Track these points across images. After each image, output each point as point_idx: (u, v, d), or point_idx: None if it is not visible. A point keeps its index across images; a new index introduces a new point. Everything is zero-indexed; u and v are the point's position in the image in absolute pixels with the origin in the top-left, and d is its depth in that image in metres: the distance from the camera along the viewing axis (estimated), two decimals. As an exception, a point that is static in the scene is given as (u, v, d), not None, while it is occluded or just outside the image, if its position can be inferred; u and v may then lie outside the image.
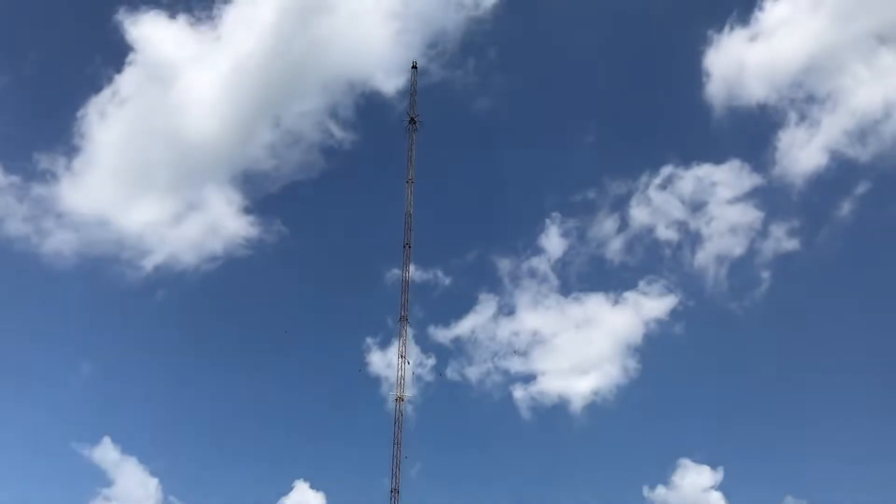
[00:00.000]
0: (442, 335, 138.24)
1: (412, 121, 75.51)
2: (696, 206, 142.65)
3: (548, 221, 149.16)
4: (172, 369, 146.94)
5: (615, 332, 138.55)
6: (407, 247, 68.78)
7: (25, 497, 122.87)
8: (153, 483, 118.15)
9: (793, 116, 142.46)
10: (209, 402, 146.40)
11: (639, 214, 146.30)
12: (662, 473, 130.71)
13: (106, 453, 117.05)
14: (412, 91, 78.92)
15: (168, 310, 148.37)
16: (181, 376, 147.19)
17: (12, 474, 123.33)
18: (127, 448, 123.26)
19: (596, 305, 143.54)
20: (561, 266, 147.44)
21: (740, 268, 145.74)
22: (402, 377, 63.15)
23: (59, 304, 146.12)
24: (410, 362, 64.13)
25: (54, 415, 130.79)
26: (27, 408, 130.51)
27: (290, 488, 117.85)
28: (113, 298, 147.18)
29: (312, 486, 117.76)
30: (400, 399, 62.42)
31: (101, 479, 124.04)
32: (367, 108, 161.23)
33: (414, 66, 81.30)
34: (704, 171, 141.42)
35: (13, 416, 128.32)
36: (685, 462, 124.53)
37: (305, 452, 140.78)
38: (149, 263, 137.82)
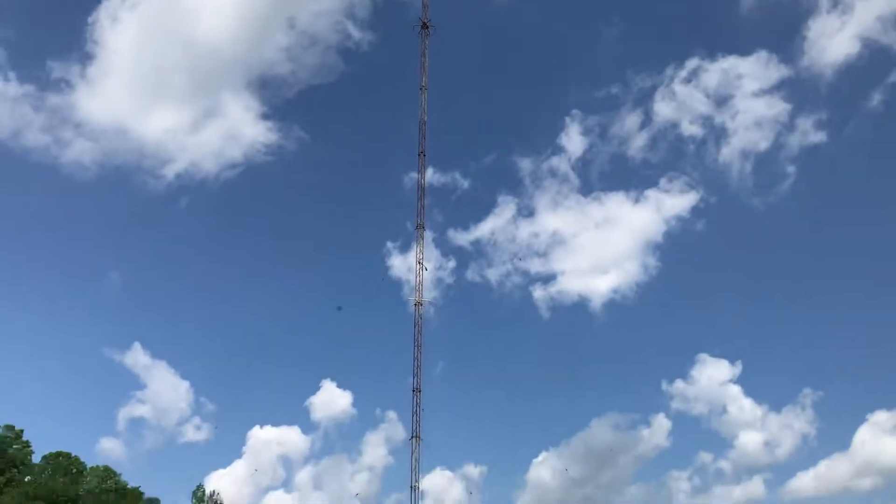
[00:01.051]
0: (462, 238, 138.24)
1: (424, 26, 74.15)
2: (722, 99, 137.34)
3: (568, 119, 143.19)
4: (198, 275, 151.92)
5: (635, 231, 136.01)
6: (421, 155, 69.72)
7: (62, 402, 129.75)
8: (184, 386, 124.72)
9: (824, 3, 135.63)
10: (236, 306, 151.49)
11: (663, 109, 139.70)
12: (681, 368, 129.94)
13: (137, 358, 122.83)
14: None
15: (191, 217, 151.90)
16: (207, 282, 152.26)
17: (48, 382, 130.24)
18: (157, 353, 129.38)
19: (616, 204, 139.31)
20: (581, 165, 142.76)
21: (765, 162, 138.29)
22: (421, 283, 65.31)
23: (83, 214, 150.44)
24: (428, 268, 66.18)
25: (85, 322, 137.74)
26: (58, 317, 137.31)
27: (318, 388, 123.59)
28: (136, 207, 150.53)
29: (339, 386, 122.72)
30: (419, 304, 64.50)
31: (133, 383, 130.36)
32: (384, 6, 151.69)
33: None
34: (731, 63, 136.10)
35: (45, 326, 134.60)
36: (703, 357, 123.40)
37: (331, 353, 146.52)
38: (170, 171, 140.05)
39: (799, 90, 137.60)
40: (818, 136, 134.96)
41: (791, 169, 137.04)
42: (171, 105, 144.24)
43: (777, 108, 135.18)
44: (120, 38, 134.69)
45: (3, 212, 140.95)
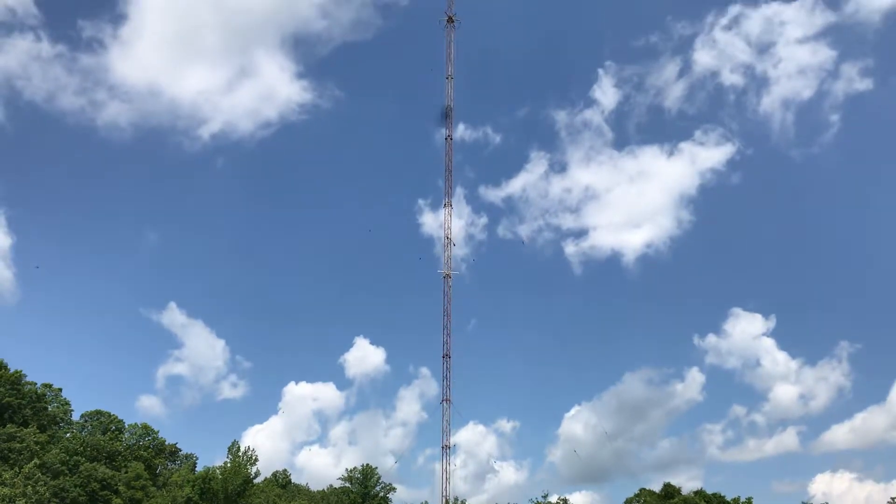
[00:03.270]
0: (493, 194, 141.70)
1: (450, 19, 76.73)
2: (764, 47, 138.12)
3: (601, 72, 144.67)
4: (233, 235, 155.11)
5: (669, 185, 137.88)
6: (448, 139, 73.10)
7: (102, 362, 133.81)
8: (220, 344, 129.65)
9: None
10: (270, 265, 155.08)
11: (703, 58, 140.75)
12: (713, 322, 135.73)
13: (173, 317, 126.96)
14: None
15: (227, 177, 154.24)
16: (242, 242, 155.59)
17: (87, 341, 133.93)
18: (193, 312, 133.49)
19: (650, 158, 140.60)
20: (615, 118, 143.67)
21: (808, 112, 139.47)
22: (449, 257, 69.41)
23: (121, 175, 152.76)
24: (455, 244, 70.28)
25: (121, 283, 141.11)
26: (95, 278, 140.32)
27: (352, 344, 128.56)
28: (172, 168, 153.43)
29: (373, 343, 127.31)
30: (448, 275, 68.75)
31: (170, 341, 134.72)
32: None
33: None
34: (773, 9, 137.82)
35: (82, 287, 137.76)
36: (736, 311, 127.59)
37: (365, 310, 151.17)
38: (205, 132, 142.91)
39: (844, 36, 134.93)
40: (864, 84, 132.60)
41: (835, 118, 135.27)
42: (204, 65, 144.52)
43: (821, 55, 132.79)
44: None
45: (43, 175, 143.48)
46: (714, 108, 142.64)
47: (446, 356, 66.26)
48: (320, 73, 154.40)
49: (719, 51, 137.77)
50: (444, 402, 64.52)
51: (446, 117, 72.53)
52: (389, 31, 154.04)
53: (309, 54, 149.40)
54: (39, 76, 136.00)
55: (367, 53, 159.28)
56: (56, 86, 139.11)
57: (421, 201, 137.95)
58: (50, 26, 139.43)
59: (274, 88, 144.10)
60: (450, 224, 69.48)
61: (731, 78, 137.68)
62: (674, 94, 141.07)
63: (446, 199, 70.74)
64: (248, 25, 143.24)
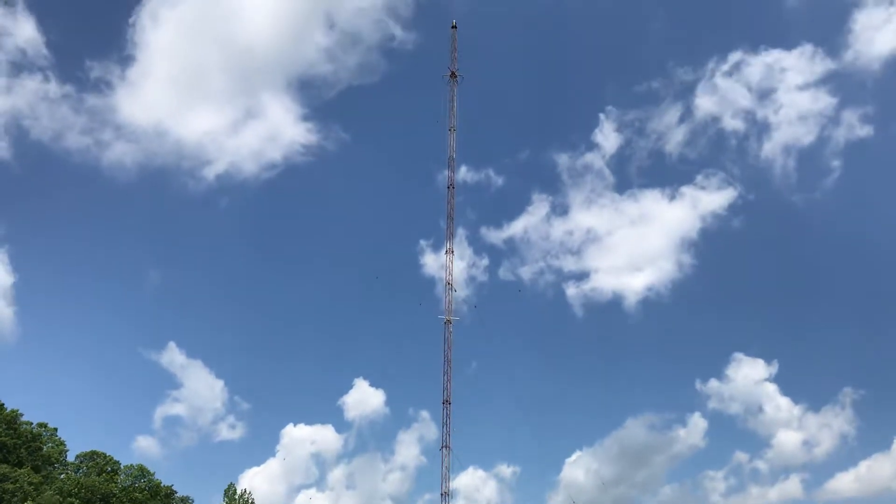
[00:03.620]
0: (495, 236, 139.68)
1: (453, 75, 79.24)
2: (765, 93, 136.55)
3: (602, 116, 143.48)
4: (235, 275, 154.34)
5: (671, 228, 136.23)
6: (451, 188, 74.85)
7: (100, 401, 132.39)
8: (219, 385, 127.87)
9: None
10: (271, 305, 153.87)
11: (704, 103, 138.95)
12: (716, 367, 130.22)
13: (172, 357, 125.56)
14: (452, 48, 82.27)
15: (231, 218, 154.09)
16: (243, 282, 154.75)
17: (84, 380, 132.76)
18: (192, 352, 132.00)
19: (652, 201, 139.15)
20: (616, 162, 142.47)
21: (809, 157, 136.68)
22: (450, 301, 70.53)
23: (124, 215, 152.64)
24: (456, 290, 71.39)
25: (122, 322, 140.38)
26: (96, 317, 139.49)
27: (351, 386, 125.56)
28: (177, 208, 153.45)
29: (372, 384, 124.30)
30: (448, 321, 69.71)
31: (169, 381, 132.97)
32: (427, 2, 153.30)
33: (454, 27, 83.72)
34: (774, 56, 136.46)
35: (83, 326, 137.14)
36: (739, 356, 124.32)
37: (364, 352, 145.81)
38: (210, 173, 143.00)
39: (845, 84, 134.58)
40: (864, 131, 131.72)
41: (836, 164, 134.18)
42: (211, 106, 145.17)
43: (822, 101, 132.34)
44: (160, 38, 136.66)
45: (46, 213, 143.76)
46: (715, 152, 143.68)
47: (446, 402, 66.87)
48: (325, 116, 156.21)
49: (720, 96, 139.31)
50: (444, 448, 65.03)
51: (448, 167, 74.96)
52: (395, 75, 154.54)
53: (314, 97, 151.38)
54: (47, 116, 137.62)
55: (373, 97, 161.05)
56: (63, 125, 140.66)
57: (423, 242, 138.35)
58: (59, 67, 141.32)
59: (279, 130, 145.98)
60: (451, 270, 70.91)
61: (732, 123, 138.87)
62: (675, 139, 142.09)
63: (448, 246, 72.49)
64: (254, 68, 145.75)
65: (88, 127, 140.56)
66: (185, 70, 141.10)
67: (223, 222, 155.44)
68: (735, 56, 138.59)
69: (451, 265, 71.16)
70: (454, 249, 72.25)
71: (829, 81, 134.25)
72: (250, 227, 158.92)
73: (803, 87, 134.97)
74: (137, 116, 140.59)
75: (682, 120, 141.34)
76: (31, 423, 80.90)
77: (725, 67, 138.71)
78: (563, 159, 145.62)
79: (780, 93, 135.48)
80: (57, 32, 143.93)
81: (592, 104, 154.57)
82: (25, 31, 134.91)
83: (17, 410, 79.09)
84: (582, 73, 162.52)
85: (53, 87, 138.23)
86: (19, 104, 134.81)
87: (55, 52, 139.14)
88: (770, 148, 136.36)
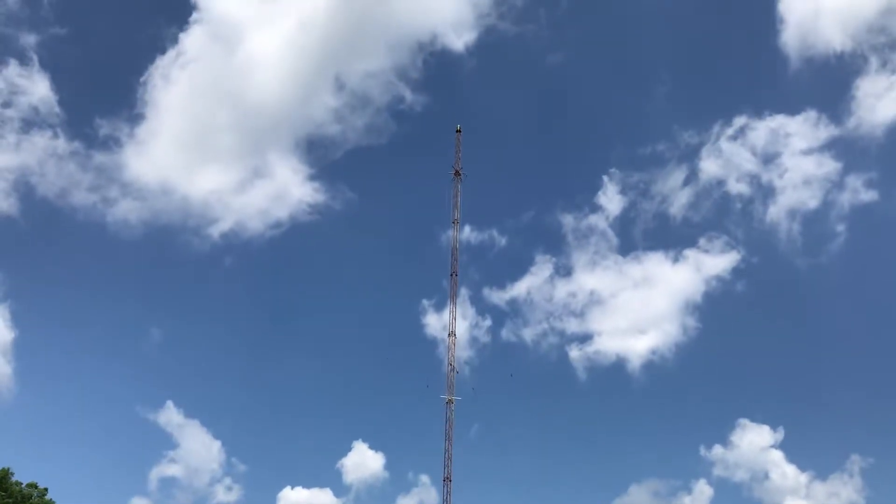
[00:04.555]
0: (497, 297, 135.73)
1: (457, 173, 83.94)
2: (769, 157, 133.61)
3: (605, 178, 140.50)
4: (236, 334, 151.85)
5: (674, 291, 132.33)
6: (454, 276, 79.73)
7: (95, 460, 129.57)
8: (216, 446, 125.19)
9: (873, 63, 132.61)
10: (271, 365, 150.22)
11: (709, 167, 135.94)
12: (720, 433, 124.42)
13: (170, 417, 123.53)
14: (457, 149, 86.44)
15: (234, 276, 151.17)
16: (244, 341, 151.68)
17: (78, 439, 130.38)
18: (190, 411, 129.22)
19: (655, 264, 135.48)
20: (620, 224, 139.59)
21: (814, 221, 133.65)
22: (452, 382, 74.82)
23: (128, 272, 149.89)
24: (458, 371, 75.51)
25: (119, 380, 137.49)
26: (95, 373, 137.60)
27: (350, 449, 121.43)
28: (180, 266, 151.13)
29: (371, 447, 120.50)
30: (450, 401, 73.83)
31: (166, 442, 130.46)
32: (436, 65, 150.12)
33: (458, 131, 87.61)
34: (778, 122, 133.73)
35: (81, 382, 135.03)
36: (744, 422, 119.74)
37: (364, 414, 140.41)
38: (215, 231, 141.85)
39: (849, 149, 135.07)
40: (869, 195, 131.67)
41: (841, 228, 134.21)
42: (218, 165, 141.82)
43: (826, 166, 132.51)
44: (170, 97, 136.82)
45: (50, 269, 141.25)
46: (720, 216, 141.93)
47: (447, 479, 70.71)
48: (333, 175, 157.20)
49: (725, 160, 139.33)
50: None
51: (451, 256, 79.43)
52: (403, 135, 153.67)
53: (322, 157, 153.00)
54: (54, 172, 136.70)
55: (380, 157, 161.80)
56: (70, 182, 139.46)
57: (425, 301, 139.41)
58: (68, 124, 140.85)
59: (286, 189, 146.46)
60: (454, 353, 75.40)
61: (737, 187, 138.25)
62: (679, 202, 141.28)
63: (451, 329, 77.02)
64: (262, 128, 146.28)
65: (95, 184, 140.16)
66: (194, 129, 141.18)
67: (226, 281, 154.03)
68: (740, 120, 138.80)
69: (453, 347, 75.74)
70: (455, 325, 76.57)
71: (833, 147, 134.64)
72: (253, 286, 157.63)
73: (807, 152, 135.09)
74: (144, 174, 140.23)
75: (686, 182, 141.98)
76: (21, 484, 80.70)
77: (730, 131, 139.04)
78: (567, 220, 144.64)
79: (785, 157, 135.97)
80: (69, 90, 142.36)
81: (597, 166, 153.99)
82: (40, 89, 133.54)
83: (9, 469, 78.97)
84: (587, 134, 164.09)
85: (62, 144, 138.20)
86: (28, 161, 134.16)
87: (66, 110, 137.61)
88: (775, 211, 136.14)
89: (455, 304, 77.28)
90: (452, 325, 76.47)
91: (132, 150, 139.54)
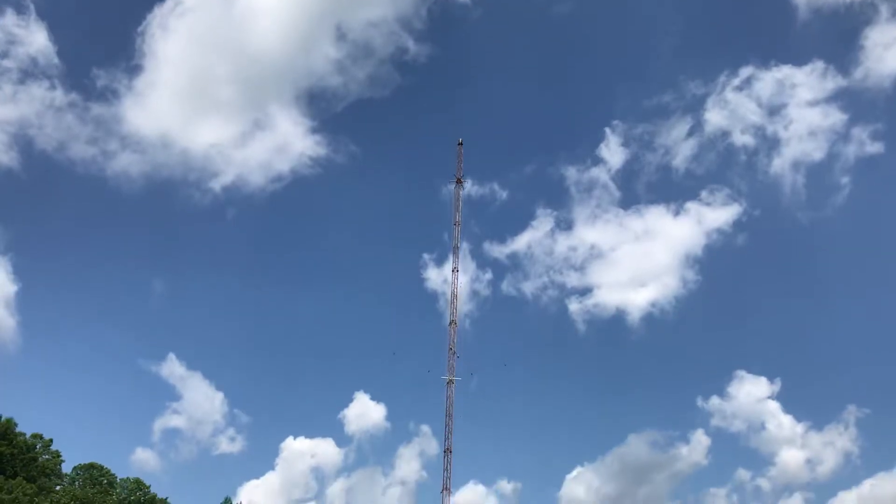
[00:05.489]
0: (498, 251, 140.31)
1: (459, 181, 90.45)
2: (775, 108, 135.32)
3: (608, 131, 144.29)
4: (238, 287, 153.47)
5: (675, 244, 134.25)
6: (455, 271, 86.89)
7: (98, 413, 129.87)
8: (219, 397, 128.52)
9: (883, 12, 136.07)
10: (272, 317, 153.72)
11: (714, 118, 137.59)
12: (718, 385, 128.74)
13: (172, 369, 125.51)
14: (458, 160, 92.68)
15: (236, 230, 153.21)
16: (246, 294, 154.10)
17: (84, 392, 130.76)
18: (192, 364, 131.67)
19: (656, 217, 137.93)
20: (622, 177, 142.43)
21: (818, 174, 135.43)
22: (453, 364, 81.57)
23: (129, 226, 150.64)
24: (460, 356, 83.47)
25: (123, 332, 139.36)
26: (97, 326, 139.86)
27: (351, 400, 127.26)
28: (182, 220, 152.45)
29: (373, 398, 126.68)
30: (451, 381, 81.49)
31: (168, 393, 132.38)
32: (440, 14, 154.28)
33: (460, 143, 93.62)
34: (785, 72, 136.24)
35: (84, 335, 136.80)
36: (741, 374, 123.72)
37: (365, 366, 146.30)
38: (216, 185, 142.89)
39: (855, 100, 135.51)
40: (874, 147, 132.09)
41: (845, 180, 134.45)
42: (218, 117, 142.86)
43: (832, 117, 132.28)
44: (169, 47, 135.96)
45: (51, 223, 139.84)
46: (723, 168, 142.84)
47: (447, 451, 76.02)
48: (334, 128, 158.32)
49: (730, 111, 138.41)
50: (445, 491, 76.53)
51: (453, 254, 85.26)
52: (407, 88, 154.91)
53: (324, 109, 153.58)
54: (52, 125, 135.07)
55: (383, 110, 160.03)
56: (68, 135, 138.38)
57: (426, 255, 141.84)
58: (66, 75, 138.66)
59: (287, 142, 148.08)
60: (454, 339, 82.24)
61: (741, 139, 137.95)
62: (683, 154, 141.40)
63: (451, 318, 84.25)
64: (263, 80, 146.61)
65: (94, 136, 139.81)
66: (193, 80, 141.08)
67: (228, 234, 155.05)
68: (746, 71, 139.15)
69: (454, 334, 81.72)
70: (457, 315, 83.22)
71: (840, 98, 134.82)
72: (255, 240, 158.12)
73: (813, 103, 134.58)
74: (143, 126, 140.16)
75: (690, 134, 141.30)
76: (25, 434, 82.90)
77: (736, 82, 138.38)
78: (570, 173, 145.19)
79: (791, 108, 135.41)
80: (67, 40, 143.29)
81: (600, 118, 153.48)
82: (38, 39, 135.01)
83: (12, 420, 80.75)
84: (591, 86, 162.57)
85: (59, 96, 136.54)
86: (26, 113, 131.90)
87: (64, 60, 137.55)
88: (779, 164, 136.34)
89: (457, 298, 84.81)
90: (454, 315, 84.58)
91: (131, 102, 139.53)
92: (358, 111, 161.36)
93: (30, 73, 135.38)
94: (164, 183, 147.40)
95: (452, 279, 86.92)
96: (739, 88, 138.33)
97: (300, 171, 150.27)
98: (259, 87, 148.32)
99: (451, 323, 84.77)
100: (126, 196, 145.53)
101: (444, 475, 76.12)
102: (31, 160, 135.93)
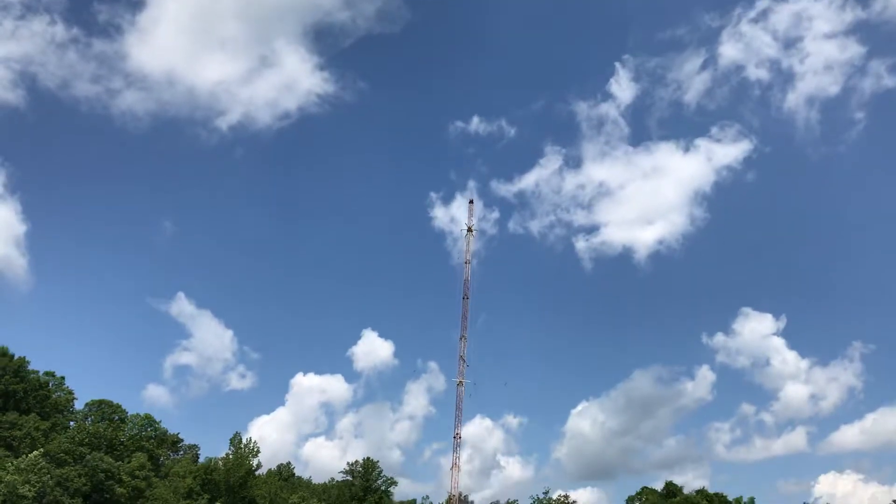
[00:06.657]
0: (505, 189, 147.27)
1: (469, 230, 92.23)
2: (791, 41, 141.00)
3: (618, 65, 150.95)
4: (246, 227, 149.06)
5: (684, 182, 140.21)
6: (465, 298, 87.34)
7: (110, 351, 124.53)
8: (228, 335, 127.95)
9: None
10: (281, 256, 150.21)
11: (728, 51, 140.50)
12: (723, 321, 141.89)
13: (182, 307, 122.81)
14: (469, 212, 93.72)
15: (244, 169, 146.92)
16: (254, 233, 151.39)
17: (96, 331, 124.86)
18: (201, 302, 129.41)
19: (666, 154, 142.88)
20: (631, 113, 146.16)
21: (833, 109, 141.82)
22: (463, 370, 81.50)
23: (137, 165, 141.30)
24: (469, 364, 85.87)
25: (132, 272, 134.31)
26: (107, 266, 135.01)
27: (359, 337, 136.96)
28: (189, 159, 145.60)
29: (381, 335, 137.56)
30: (461, 383, 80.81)
31: (179, 331, 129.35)
32: None
33: (471, 202, 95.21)
34: (802, 4, 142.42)
35: (94, 275, 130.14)
36: (747, 310, 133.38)
37: (373, 303, 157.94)
38: (223, 123, 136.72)
39: (874, 33, 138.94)
40: (893, 80, 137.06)
41: (860, 115, 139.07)
42: (224, 54, 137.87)
43: (850, 50, 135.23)
44: None
45: (59, 162, 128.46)
46: (735, 103, 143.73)
47: (457, 436, 78.10)
48: (342, 65, 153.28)
49: (746, 44, 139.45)
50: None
51: (464, 297, 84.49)
52: (416, 23, 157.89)
53: (331, 46, 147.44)
54: (54, 62, 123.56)
55: (392, 46, 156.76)
56: (71, 72, 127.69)
57: (433, 194, 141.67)
58: (68, 10, 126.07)
59: (294, 79, 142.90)
60: (464, 351, 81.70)
61: (756, 73, 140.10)
62: (695, 88, 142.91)
63: (462, 333, 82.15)
64: (269, 15, 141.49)
65: (97, 74, 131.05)
66: (198, 16, 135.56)
67: (236, 173, 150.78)
68: (763, 3, 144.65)
69: (464, 348, 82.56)
70: (466, 331, 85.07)
71: (858, 31, 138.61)
72: (263, 179, 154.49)
73: (830, 36, 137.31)
74: (148, 63, 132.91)
75: (703, 67, 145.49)
76: (38, 372, 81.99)
77: (752, 14, 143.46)
78: (580, 108, 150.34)
79: (807, 41, 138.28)
80: None
81: (610, 52, 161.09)
82: None
83: (25, 358, 79.40)
84: (602, 19, 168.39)
85: (60, 31, 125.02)
86: (29, 49, 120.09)
87: None
88: (793, 98, 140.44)
89: (465, 329, 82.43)
90: (464, 330, 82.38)
91: (134, 38, 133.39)
92: (366, 47, 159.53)
93: (31, 7, 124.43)
94: (171, 122, 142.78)
95: (463, 307, 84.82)
96: (755, 21, 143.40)
97: (308, 109, 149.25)
98: (265, 23, 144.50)
99: (461, 338, 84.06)
100: (132, 135, 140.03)
101: (452, 475, 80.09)
102: (36, 98, 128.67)
